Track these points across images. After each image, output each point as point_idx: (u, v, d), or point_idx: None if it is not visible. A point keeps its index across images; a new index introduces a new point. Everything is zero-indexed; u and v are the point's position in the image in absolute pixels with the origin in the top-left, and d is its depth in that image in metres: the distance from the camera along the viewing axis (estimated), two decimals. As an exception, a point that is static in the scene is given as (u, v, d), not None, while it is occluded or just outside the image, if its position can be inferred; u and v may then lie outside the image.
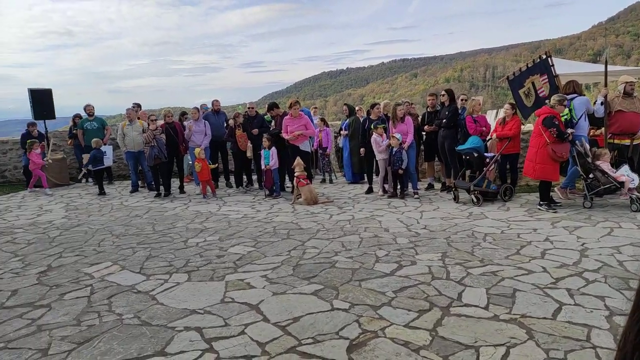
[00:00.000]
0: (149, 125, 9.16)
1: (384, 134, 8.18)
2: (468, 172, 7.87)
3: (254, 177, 10.01)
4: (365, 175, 9.47)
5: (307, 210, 7.40)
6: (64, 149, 12.23)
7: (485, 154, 7.55)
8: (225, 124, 10.05)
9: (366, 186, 8.91)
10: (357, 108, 10.31)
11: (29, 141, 10.45)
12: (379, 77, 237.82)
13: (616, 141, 7.26)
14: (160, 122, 9.44)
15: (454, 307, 3.51)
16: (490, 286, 3.88)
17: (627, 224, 5.70)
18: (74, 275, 4.65)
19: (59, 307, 3.82)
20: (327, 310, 3.53)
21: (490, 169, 7.43)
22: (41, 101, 11.47)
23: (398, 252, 4.94)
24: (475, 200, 7.25)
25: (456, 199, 7.61)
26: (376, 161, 8.64)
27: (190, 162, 11.00)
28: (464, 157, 7.68)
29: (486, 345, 2.90)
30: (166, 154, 9.00)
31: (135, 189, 9.98)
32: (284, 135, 8.64)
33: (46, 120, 11.67)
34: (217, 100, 10.42)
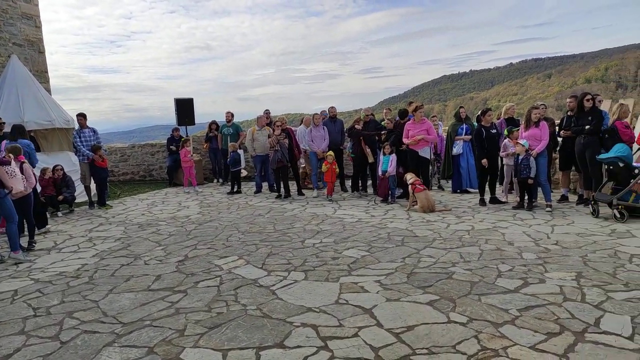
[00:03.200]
0: (273, 130, 9.78)
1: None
2: (611, 184, 6.91)
3: (369, 182, 10.07)
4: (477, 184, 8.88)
5: (422, 218, 7.22)
6: (200, 152, 13.62)
7: (635, 164, 6.60)
8: (342, 130, 10.27)
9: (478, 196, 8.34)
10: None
11: (183, 139, 11.88)
12: (506, 78, 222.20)
13: None
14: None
15: (589, 333, 3.13)
16: (637, 314, 3.38)
17: None
18: (206, 266, 5.15)
19: (194, 294, 4.27)
20: (443, 322, 3.40)
21: (638, 181, 6.47)
22: (184, 109, 12.97)
23: (524, 268, 4.56)
24: (619, 215, 6.38)
25: (595, 213, 6.77)
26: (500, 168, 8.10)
27: (303, 166, 11.44)
28: (606, 167, 6.80)
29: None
30: (288, 158, 9.54)
31: (259, 190, 10.71)
32: (404, 140, 8.55)
33: (187, 126, 13.16)
34: (333, 107, 10.68)
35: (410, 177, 7.99)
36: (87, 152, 9.28)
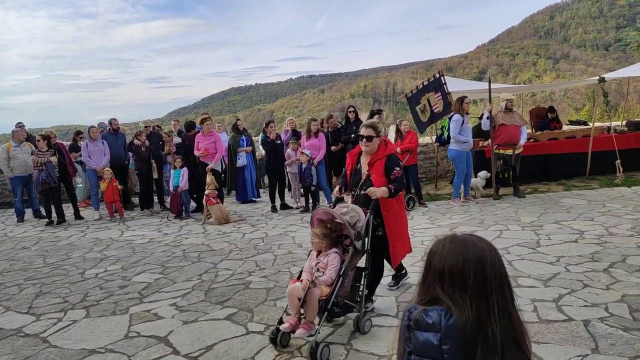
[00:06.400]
0: (36, 146, 8.34)
1: (297, 149, 8.30)
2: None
3: (156, 199, 9.51)
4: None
5: (218, 230, 7.19)
6: None
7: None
8: (125, 145, 9.44)
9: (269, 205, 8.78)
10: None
11: None
12: (288, 92, 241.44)
13: (501, 151, 8.08)
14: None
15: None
16: (400, 294, 4.05)
17: (514, 226, 6.31)
18: (-56, 323, 4.01)
19: None
20: (242, 335, 3.43)
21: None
22: None
23: (312, 268, 4.96)
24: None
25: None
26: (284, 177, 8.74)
27: (80, 185, 10.13)
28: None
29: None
30: (56, 178, 8.24)
31: (21, 218, 8.95)
32: (195, 152, 8.35)
33: None
34: (115, 119, 9.70)
35: (208, 189, 7.84)
36: None
